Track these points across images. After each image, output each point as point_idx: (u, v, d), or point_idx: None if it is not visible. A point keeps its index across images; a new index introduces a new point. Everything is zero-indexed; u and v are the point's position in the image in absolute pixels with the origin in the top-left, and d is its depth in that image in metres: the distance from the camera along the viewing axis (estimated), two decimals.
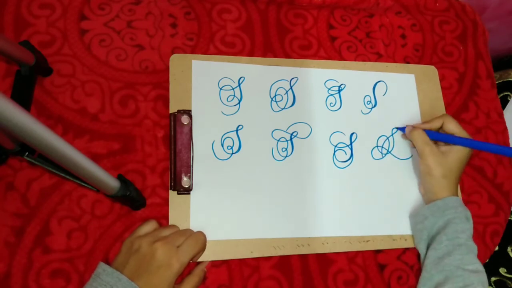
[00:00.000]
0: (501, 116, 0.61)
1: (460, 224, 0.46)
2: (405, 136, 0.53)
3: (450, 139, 0.49)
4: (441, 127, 0.50)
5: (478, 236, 0.54)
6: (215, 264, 0.45)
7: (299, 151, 0.51)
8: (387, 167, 0.53)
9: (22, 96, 0.43)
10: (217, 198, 0.47)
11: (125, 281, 0.36)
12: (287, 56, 0.54)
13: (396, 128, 0.54)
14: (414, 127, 0.51)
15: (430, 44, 0.61)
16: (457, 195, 0.48)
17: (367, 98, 0.56)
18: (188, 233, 0.42)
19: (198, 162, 0.47)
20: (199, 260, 0.44)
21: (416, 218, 0.49)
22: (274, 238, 0.47)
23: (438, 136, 0.50)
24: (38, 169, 0.44)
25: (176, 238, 0.40)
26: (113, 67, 0.48)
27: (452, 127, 0.49)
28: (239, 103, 0.51)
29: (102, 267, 0.38)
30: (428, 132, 0.50)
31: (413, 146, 0.51)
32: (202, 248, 0.42)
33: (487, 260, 0.55)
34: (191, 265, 0.44)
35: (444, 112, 0.58)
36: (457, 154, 0.48)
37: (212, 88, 0.50)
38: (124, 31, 0.50)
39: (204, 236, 0.43)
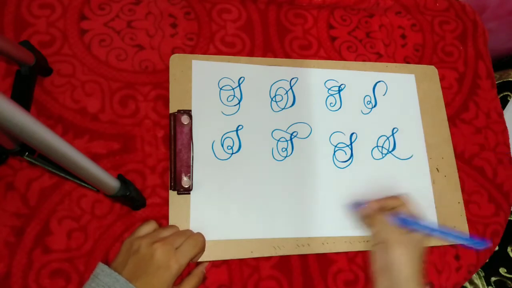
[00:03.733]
0: (501, 116, 0.61)
1: None
2: (357, 213, 0.47)
3: (419, 225, 0.42)
4: (391, 209, 0.44)
5: (478, 236, 0.54)
6: (215, 264, 0.45)
7: (299, 151, 0.51)
8: (387, 167, 0.53)
9: (22, 96, 0.43)
10: (217, 198, 0.47)
11: (122, 282, 0.36)
12: (287, 56, 0.54)
13: (349, 203, 0.48)
14: (378, 210, 0.44)
15: (430, 44, 0.61)
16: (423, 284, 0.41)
17: (367, 98, 0.56)
18: (187, 234, 0.42)
19: (198, 162, 0.47)
20: (200, 260, 0.44)
21: None
22: (274, 238, 0.47)
23: (405, 221, 0.42)
24: (38, 169, 0.44)
25: (175, 239, 0.40)
26: (113, 67, 0.48)
27: (408, 207, 0.43)
28: (239, 103, 0.51)
29: (100, 267, 0.38)
30: (400, 217, 0.43)
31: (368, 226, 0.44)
32: (201, 250, 0.42)
33: (487, 260, 0.55)
34: (192, 265, 0.44)
35: (444, 112, 0.58)
36: (421, 243, 0.41)
37: (212, 88, 0.50)
38: (124, 31, 0.50)
39: (203, 237, 0.43)
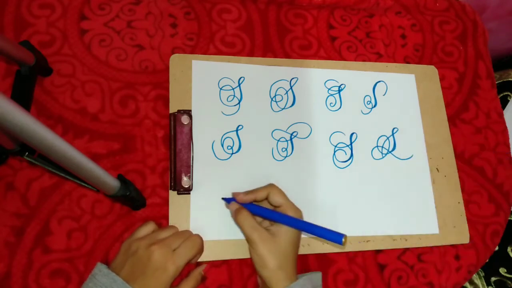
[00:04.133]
0: (501, 116, 0.61)
1: None
2: (227, 205, 0.46)
3: (274, 217, 0.42)
4: (266, 198, 0.44)
5: (478, 236, 0.54)
6: (215, 264, 0.45)
7: (299, 151, 0.51)
8: (387, 167, 0.53)
9: (22, 96, 0.43)
10: (217, 198, 0.47)
11: (120, 283, 0.36)
12: (287, 56, 0.54)
13: (222, 198, 0.46)
14: (237, 209, 0.43)
15: (430, 44, 0.61)
16: (295, 278, 0.41)
17: (367, 98, 0.56)
18: (185, 235, 0.42)
19: (198, 162, 0.47)
20: (200, 260, 0.44)
21: None
22: None
23: (262, 212, 0.43)
24: (38, 169, 0.44)
25: (173, 240, 0.40)
26: (113, 67, 0.48)
27: (277, 200, 0.43)
28: (239, 103, 0.51)
29: (98, 267, 0.38)
30: (252, 206, 0.43)
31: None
32: (199, 251, 0.42)
33: (487, 260, 0.55)
34: (191, 266, 0.44)
35: (444, 111, 0.58)
36: (288, 236, 0.41)
37: (212, 88, 0.50)
38: (124, 31, 0.50)
39: (201, 239, 0.43)
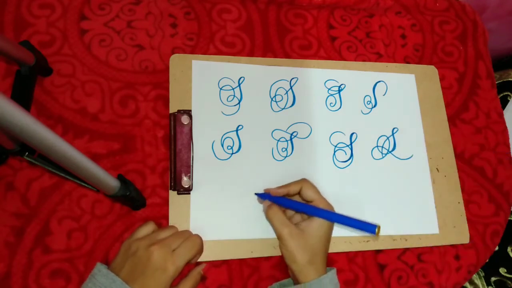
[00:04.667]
0: (501, 116, 0.61)
1: None
2: (260, 200, 0.47)
3: (308, 210, 0.43)
4: (299, 193, 0.45)
5: (478, 236, 0.54)
6: (215, 264, 0.45)
7: (299, 151, 0.51)
8: (387, 167, 0.53)
9: (22, 96, 0.43)
10: (217, 198, 0.47)
11: (119, 283, 0.36)
12: (287, 56, 0.54)
13: (256, 194, 0.47)
14: (269, 205, 0.44)
15: (430, 44, 0.61)
16: (324, 272, 0.42)
17: (367, 98, 0.56)
18: (185, 235, 0.42)
19: (198, 162, 0.47)
20: (200, 260, 0.44)
21: None
22: (274, 238, 0.47)
23: (295, 206, 0.44)
24: (38, 169, 0.44)
25: (173, 241, 0.40)
26: (113, 67, 0.48)
27: (310, 194, 0.43)
28: (239, 103, 0.51)
29: (98, 267, 0.38)
30: (283, 200, 0.44)
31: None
32: (199, 251, 0.42)
33: (487, 260, 0.55)
34: (191, 266, 0.44)
35: (444, 111, 0.58)
36: (319, 231, 0.42)
37: (212, 88, 0.50)
38: (124, 31, 0.50)
39: (201, 239, 0.43)
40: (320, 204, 0.43)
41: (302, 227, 0.42)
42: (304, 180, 0.45)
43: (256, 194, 0.47)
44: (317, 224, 0.42)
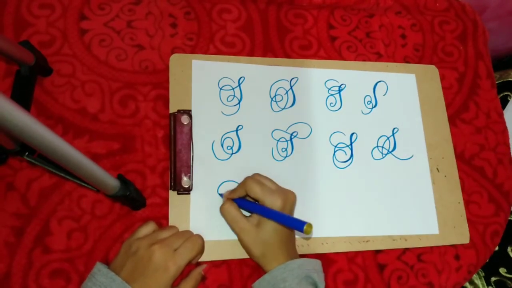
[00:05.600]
0: (501, 116, 0.61)
1: None
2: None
3: (252, 209, 0.43)
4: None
5: (478, 236, 0.54)
6: (215, 264, 0.45)
7: (299, 151, 0.51)
8: (387, 167, 0.53)
9: (22, 96, 0.43)
10: (217, 198, 0.47)
11: (119, 283, 0.36)
12: (287, 56, 0.54)
13: (219, 194, 0.47)
14: (224, 203, 0.44)
15: (430, 44, 0.61)
16: (289, 258, 0.42)
17: (368, 98, 0.56)
18: (186, 235, 0.42)
19: (198, 162, 0.47)
20: (200, 260, 0.44)
21: None
22: None
23: (245, 205, 0.44)
24: (38, 169, 0.44)
25: (174, 240, 0.40)
26: (113, 67, 0.48)
27: (254, 193, 0.42)
28: (239, 103, 0.51)
29: (98, 267, 0.38)
30: (239, 201, 0.44)
31: None
32: (200, 252, 0.42)
33: (487, 260, 0.55)
34: (191, 266, 0.44)
35: (445, 112, 0.58)
36: (269, 224, 0.41)
37: (212, 88, 0.50)
38: (124, 31, 0.50)
39: (202, 239, 0.43)
40: (264, 201, 0.42)
41: (254, 222, 0.43)
42: (245, 180, 0.43)
43: (219, 194, 0.47)
44: (265, 219, 0.42)
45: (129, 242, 0.39)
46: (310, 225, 0.37)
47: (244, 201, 0.44)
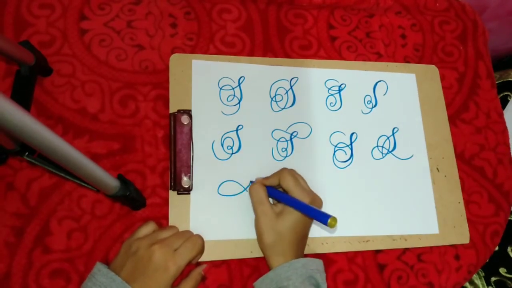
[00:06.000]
0: (501, 116, 0.61)
1: None
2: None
3: (280, 197, 0.44)
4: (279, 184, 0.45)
5: (478, 236, 0.54)
6: (215, 264, 0.45)
7: (299, 151, 0.51)
8: (387, 167, 0.53)
9: (22, 96, 0.43)
10: (217, 198, 0.47)
11: (119, 282, 0.36)
12: (287, 56, 0.54)
13: (251, 181, 0.48)
14: (252, 185, 0.45)
15: (430, 44, 0.61)
16: (291, 258, 0.42)
17: (368, 98, 0.56)
18: (186, 235, 0.42)
19: (198, 162, 0.47)
20: (200, 260, 0.44)
21: None
22: None
23: (274, 193, 0.44)
24: (38, 169, 0.44)
25: (174, 240, 0.40)
26: (113, 67, 0.48)
27: (286, 183, 0.43)
28: (239, 103, 0.51)
29: (98, 267, 0.38)
30: (269, 189, 0.45)
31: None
32: (200, 252, 0.42)
33: (487, 260, 0.55)
34: (191, 266, 0.44)
35: (445, 111, 0.58)
36: (290, 218, 0.42)
37: (212, 88, 0.50)
38: (124, 31, 0.50)
39: (202, 239, 0.43)
40: (295, 193, 0.43)
41: (278, 210, 0.43)
42: (281, 171, 0.45)
43: (250, 181, 0.48)
44: (288, 211, 0.42)
45: (129, 242, 0.39)
46: (334, 219, 0.37)
47: (274, 189, 0.45)
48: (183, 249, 0.39)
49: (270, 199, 0.45)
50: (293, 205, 0.42)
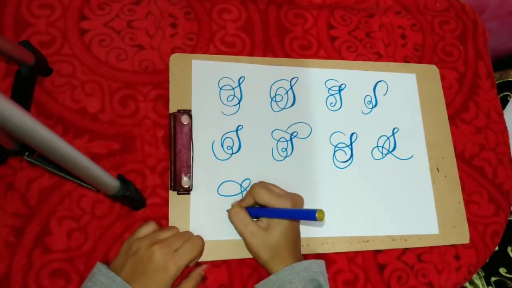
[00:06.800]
0: (501, 116, 0.61)
1: None
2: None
3: (262, 213, 0.43)
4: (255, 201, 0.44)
5: (478, 236, 0.54)
6: (215, 264, 0.45)
7: (299, 151, 0.51)
8: (387, 167, 0.53)
9: (22, 96, 0.43)
10: (217, 198, 0.47)
11: (119, 282, 0.36)
12: (287, 56, 0.54)
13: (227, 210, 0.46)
14: (232, 207, 0.45)
15: (430, 44, 0.61)
16: (295, 260, 0.42)
17: (368, 98, 0.56)
18: (186, 236, 0.42)
19: (198, 162, 0.47)
20: (200, 260, 0.44)
21: None
22: None
23: (254, 212, 0.44)
24: (38, 169, 0.43)
25: (174, 241, 0.40)
26: (113, 67, 0.48)
27: (261, 198, 0.42)
28: (239, 103, 0.51)
29: (98, 267, 0.38)
30: (249, 209, 0.44)
31: None
32: (200, 253, 0.42)
33: (487, 260, 0.55)
34: (190, 268, 0.44)
35: (445, 111, 0.58)
36: (278, 228, 0.42)
37: (212, 88, 0.50)
38: (124, 31, 0.50)
39: (202, 240, 0.43)
40: (274, 204, 0.42)
41: (264, 225, 0.43)
42: (252, 188, 0.44)
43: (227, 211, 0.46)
44: (275, 222, 0.42)
45: (129, 242, 0.39)
46: (321, 211, 0.35)
47: (253, 208, 0.44)
48: (183, 249, 0.39)
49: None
50: (277, 216, 0.42)
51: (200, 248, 0.42)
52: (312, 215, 0.36)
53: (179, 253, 0.39)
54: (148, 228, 0.41)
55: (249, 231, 0.42)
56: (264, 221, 0.43)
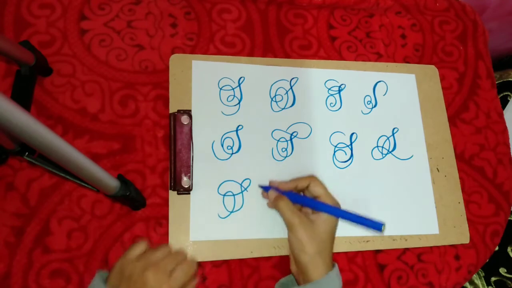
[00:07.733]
0: (501, 116, 0.61)
1: None
2: (266, 195, 0.47)
3: (316, 205, 0.43)
4: (306, 188, 0.45)
5: (478, 236, 0.54)
6: (215, 264, 0.45)
7: (299, 151, 0.51)
8: (387, 167, 0.53)
9: (22, 96, 0.43)
10: (217, 198, 0.47)
11: None
12: (287, 56, 0.54)
13: (260, 186, 0.48)
14: (278, 196, 0.44)
15: (430, 44, 0.61)
16: (332, 266, 0.42)
17: (368, 98, 0.56)
18: (179, 257, 0.40)
19: (198, 162, 0.47)
20: (200, 260, 0.44)
21: None
22: (274, 238, 0.47)
23: (303, 200, 0.44)
24: (38, 169, 0.44)
25: (167, 263, 0.38)
26: (113, 67, 0.48)
27: (318, 190, 0.43)
28: (239, 103, 0.51)
29: (96, 280, 0.37)
30: (292, 195, 0.44)
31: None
32: (194, 275, 0.40)
33: (487, 260, 0.55)
34: None
35: (445, 112, 0.58)
36: (326, 224, 0.42)
37: (212, 88, 0.50)
38: (124, 31, 0.50)
39: (196, 263, 0.41)
40: (326, 200, 0.43)
41: (311, 218, 0.43)
42: (313, 176, 0.45)
43: (260, 186, 0.48)
44: (324, 217, 0.42)
45: (121, 264, 0.38)
46: (384, 225, 0.40)
47: (305, 197, 0.45)
48: (178, 272, 0.38)
49: None
50: (341, 216, 0.43)
51: (194, 271, 0.40)
52: (378, 226, 0.40)
53: (174, 277, 0.37)
54: (140, 248, 0.39)
55: (300, 220, 0.41)
56: (311, 214, 0.44)
